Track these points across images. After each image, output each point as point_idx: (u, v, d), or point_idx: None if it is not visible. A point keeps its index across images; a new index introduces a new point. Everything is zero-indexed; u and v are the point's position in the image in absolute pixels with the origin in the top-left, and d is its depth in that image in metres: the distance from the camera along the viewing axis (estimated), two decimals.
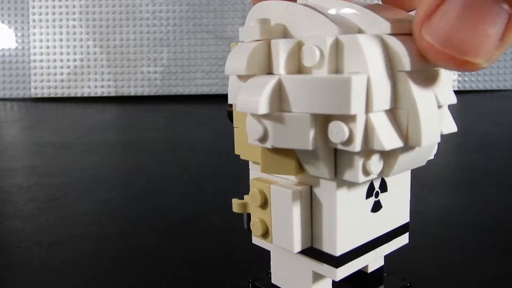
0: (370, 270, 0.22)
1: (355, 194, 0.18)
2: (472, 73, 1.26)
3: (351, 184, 0.18)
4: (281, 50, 0.16)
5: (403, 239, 0.21)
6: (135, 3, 1.30)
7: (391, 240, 0.20)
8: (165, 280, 0.27)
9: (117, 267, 0.29)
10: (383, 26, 0.16)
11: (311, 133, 0.16)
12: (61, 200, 0.42)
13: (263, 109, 0.16)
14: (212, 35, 1.31)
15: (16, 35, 1.32)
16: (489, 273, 0.27)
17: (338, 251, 0.18)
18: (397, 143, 0.15)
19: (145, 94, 1.31)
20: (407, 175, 0.20)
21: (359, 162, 0.16)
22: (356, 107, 0.15)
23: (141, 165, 0.56)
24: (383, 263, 0.22)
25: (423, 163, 0.18)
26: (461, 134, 0.73)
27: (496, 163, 0.52)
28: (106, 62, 1.31)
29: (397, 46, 0.15)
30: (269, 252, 0.21)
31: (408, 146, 0.16)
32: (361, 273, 0.22)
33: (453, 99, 0.17)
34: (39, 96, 1.31)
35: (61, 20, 1.31)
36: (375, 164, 0.16)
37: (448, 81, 0.17)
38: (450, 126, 0.18)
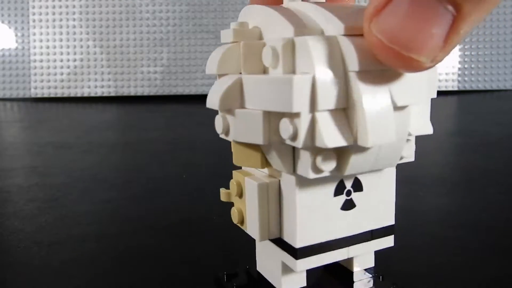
0: (355, 269, 0.22)
1: (319, 190, 0.19)
2: (472, 73, 1.26)
3: (313, 180, 0.18)
4: (242, 51, 0.18)
5: (386, 241, 0.21)
6: (135, 3, 1.30)
7: (370, 240, 0.20)
8: (165, 280, 0.27)
9: (117, 267, 0.29)
10: (339, 27, 0.16)
11: (263, 129, 0.17)
12: (61, 200, 0.42)
13: (221, 105, 0.18)
14: (212, 35, 1.31)
15: (16, 35, 1.32)
16: (489, 273, 0.27)
17: (298, 244, 0.19)
18: (341, 141, 0.16)
19: (145, 94, 1.31)
20: (391, 176, 0.20)
21: (308, 158, 0.17)
22: (299, 105, 0.16)
23: (141, 165, 0.56)
24: (373, 265, 0.22)
25: (392, 164, 0.18)
26: (461, 134, 0.73)
27: (496, 163, 0.52)
28: (106, 62, 1.31)
29: (347, 46, 0.16)
30: None
31: (358, 145, 0.16)
32: (347, 271, 0.22)
33: (415, 101, 0.17)
34: (39, 96, 1.31)
35: (61, 20, 1.31)
36: (324, 162, 0.17)
37: (418, 82, 0.17)
38: (423, 128, 0.18)
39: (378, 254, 0.26)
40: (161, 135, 0.78)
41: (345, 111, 0.16)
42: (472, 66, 1.27)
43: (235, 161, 0.20)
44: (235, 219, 0.21)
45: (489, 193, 0.42)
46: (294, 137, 0.16)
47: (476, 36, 1.26)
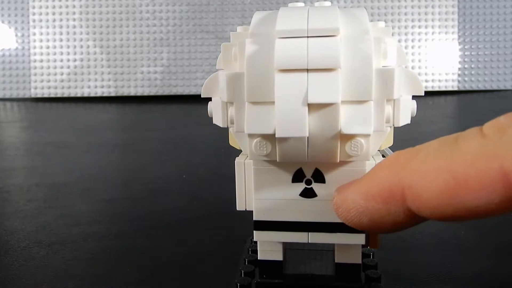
0: (337, 260, 0.23)
1: (275, 174, 0.21)
2: (472, 73, 1.26)
3: (269, 164, 0.21)
4: (221, 51, 0.21)
5: (355, 238, 0.22)
6: (135, 3, 1.30)
7: (335, 232, 0.22)
8: (165, 280, 0.27)
9: (117, 267, 0.29)
10: (276, 30, 0.19)
11: (222, 115, 0.21)
12: (61, 200, 0.42)
13: (202, 93, 0.22)
14: (212, 35, 1.31)
15: (16, 35, 1.32)
16: (489, 273, 0.27)
17: (255, 217, 0.22)
18: (260, 130, 0.19)
19: (145, 94, 1.31)
20: (360, 176, 0.21)
21: (247, 142, 0.20)
22: (229, 96, 0.20)
23: (141, 165, 0.56)
24: (359, 262, 0.23)
25: (331, 159, 0.20)
26: None
27: None
28: (106, 62, 1.31)
29: (275, 47, 0.18)
30: None
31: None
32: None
33: (331, 100, 0.18)
34: (39, 96, 1.31)
35: (61, 20, 1.31)
36: (257, 146, 0.20)
37: (348, 82, 0.18)
38: (357, 127, 0.19)
39: (378, 253, 0.26)
40: (161, 135, 0.78)
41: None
42: (472, 66, 1.27)
43: (230, 141, 0.23)
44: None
45: None
46: (232, 122, 0.20)
47: (476, 36, 1.26)
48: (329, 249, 0.25)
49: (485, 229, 0.33)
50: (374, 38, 0.19)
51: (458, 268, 0.28)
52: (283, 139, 0.19)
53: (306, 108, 0.18)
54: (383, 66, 0.19)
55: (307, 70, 0.18)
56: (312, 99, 0.18)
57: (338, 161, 0.20)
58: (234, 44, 0.20)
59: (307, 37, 0.18)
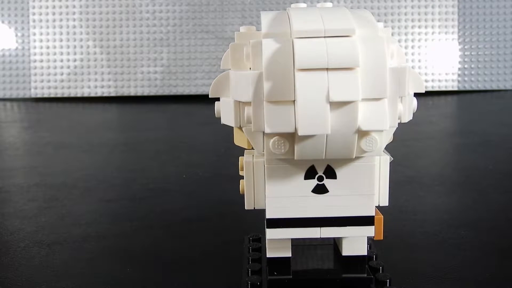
0: (344, 253, 0.23)
1: (288, 171, 0.22)
2: (472, 73, 1.26)
3: (282, 162, 0.21)
4: (230, 51, 0.21)
5: (365, 230, 0.22)
6: (135, 3, 1.30)
7: (346, 226, 0.22)
8: (165, 280, 0.27)
9: (117, 267, 0.29)
10: (293, 30, 0.19)
11: (234, 114, 0.21)
12: (61, 200, 0.42)
13: (210, 93, 0.22)
14: (212, 35, 1.31)
15: (16, 35, 1.32)
16: (489, 273, 0.27)
17: (268, 215, 0.22)
18: (281, 129, 0.19)
19: (145, 94, 1.31)
20: (370, 171, 0.22)
21: (263, 140, 0.20)
22: (248, 96, 0.20)
23: (141, 165, 0.56)
24: (365, 253, 0.23)
25: (348, 155, 0.20)
26: (461, 134, 0.73)
27: (496, 163, 0.52)
28: (106, 62, 1.31)
29: (294, 48, 0.19)
30: None
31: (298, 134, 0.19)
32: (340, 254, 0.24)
33: (352, 98, 0.19)
34: (39, 96, 1.31)
35: (61, 20, 1.31)
36: (275, 145, 0.20)
37: (366, 80, 0.19)
38: (374, 124, 0.19)
39: (378, 252, 0.26)
40: (161, 135, 0.78)
41: (294, 103, 0.19)
42: (472, 66, 1.27)
43: (235, 141, 0.23)
44: (241, 190, 0.24)
45: (489, 193, 0.42)
46: (249, 122, 0.20)
47: (476, 36, 1.26)
48: (329, 242, 0.26)
49: (485, 229, 0.33)
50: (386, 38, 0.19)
51: (458, 268, 0.28)
52: (304, 137, 0.19)
53: (328, 106, 0.18)
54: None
55: (327, 69, 0.18)
56: (334, 97, 0.18)
57: (354, 157, 0.20)
58: (245, 44, 0.20)
59: (325, 37, 0.19)
